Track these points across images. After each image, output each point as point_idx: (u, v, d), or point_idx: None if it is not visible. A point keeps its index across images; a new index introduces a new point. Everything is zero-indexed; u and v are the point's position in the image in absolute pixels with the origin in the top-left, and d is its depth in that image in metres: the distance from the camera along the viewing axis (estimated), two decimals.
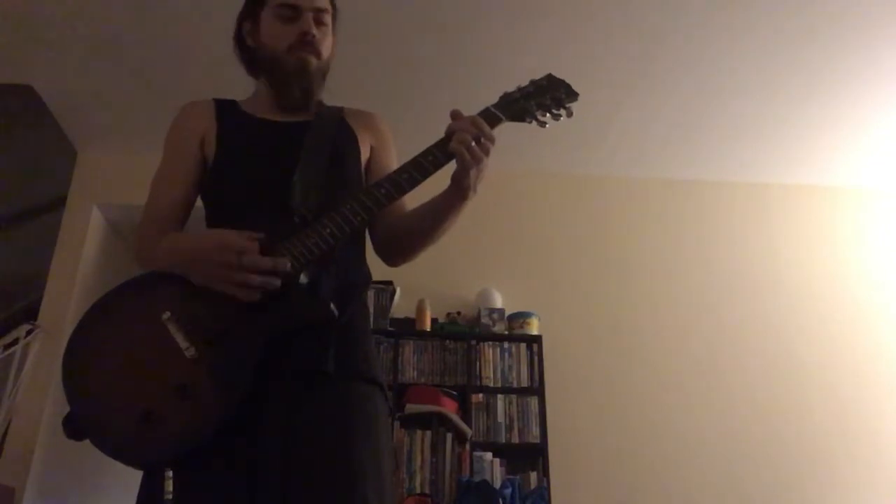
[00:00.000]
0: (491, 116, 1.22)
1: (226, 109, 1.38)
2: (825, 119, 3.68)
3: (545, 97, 1.28)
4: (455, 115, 1.20)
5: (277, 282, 1.10)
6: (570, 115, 1.29)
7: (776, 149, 3.95)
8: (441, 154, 1.19)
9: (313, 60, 1.33)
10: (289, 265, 1.11)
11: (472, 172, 1.17)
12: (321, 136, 1.32)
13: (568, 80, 1.31)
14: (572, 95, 1.30)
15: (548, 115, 1.29)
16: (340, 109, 1.43)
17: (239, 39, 1.41)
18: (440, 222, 1.27)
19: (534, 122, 1.28)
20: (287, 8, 1.32)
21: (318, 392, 1.15)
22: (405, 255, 1.37)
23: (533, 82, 1.30)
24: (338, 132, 1.36)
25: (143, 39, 3.17)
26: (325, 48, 1.36)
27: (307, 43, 1.32)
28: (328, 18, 1.37)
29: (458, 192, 1.20)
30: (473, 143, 1.16)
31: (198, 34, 3.11)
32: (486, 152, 1.17)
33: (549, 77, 1.31)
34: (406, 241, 1.35)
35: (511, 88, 1.29)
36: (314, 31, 1.32)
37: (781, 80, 3.41)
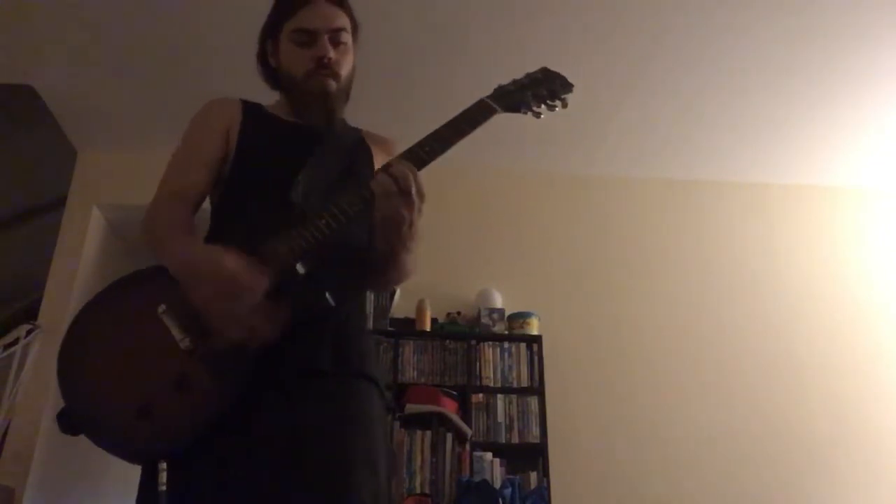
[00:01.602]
0: (486, 108, 1.23)
1: (251, 109, 1.39)
2: (825, 119, 3.68)
3: (540, 88, 1.29)
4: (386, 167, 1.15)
5: (265, 337, 1.09)
6: (564, 105, 1.30)
7: (776, 149, 3.95)
8: (448, 138, 1.19)
9: (332, 84, 1.32)
10: (268, 335, 1.09)
11: (389, 222, 1.15)
12: (337, 146, 1.33)
13: (566, 76, 1.32)
14: (567, 87, 1.31)
15: (543, 106, 1.29)
16: (359, 130, 1.44)
17: (262, 58, 1.40)
18: (385, 271, 1.28)
19: (529, 114, 1.28)
20: (303, 33, 1.31)
21: (314, 389, 1.15)
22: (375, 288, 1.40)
23: (528, 75, 1.31)
24: (355, 147, 1.38)
25: (143, 40, 3.17)
26: (345, 68, 1.35)
27: (324, 67, 1.30)
28: (346, 37, 1.35)
29: (382, 241, 1.19)
30: (397, 193, 1.11)
31: (198, 35, 3.11)
32: (410, 210, 1.13)
33: (544, 70, 1.33)
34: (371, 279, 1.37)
35: (505, 81, 1.30)
36: (331, 54, 1.31)
37: (781, 80, 3.41)
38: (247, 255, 1.10)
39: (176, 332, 1.09)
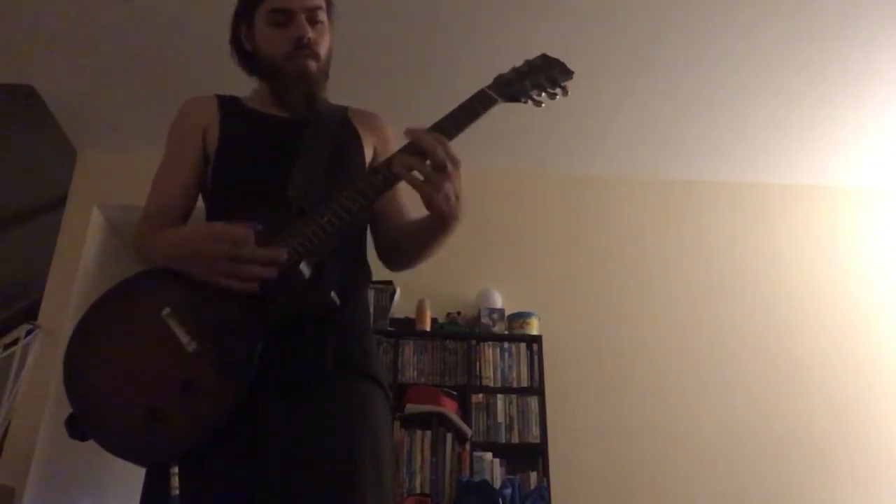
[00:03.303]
0: (486, 98, 1.19)
1: (228, 104, 1.37)
2: (825, 119, 3.68)
3: (540, 76, 1.25)
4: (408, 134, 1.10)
5: (275, 272, 1.08)
6: (565, 93, 1.26)
7: (776, 149, 3.95)
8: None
9: (312, 64, 1.31)
10: (286, 255, 1.09)
11: (438, 200, 1.09)
12: (324, 133, 1.31)
13: (565, 63, 1.29)
14: (567, 74, 1.27)
15: (543, 94, 1.25)
16: (345, 109, 1.42)
17: (236, 43, 1.39)
18: (427, 244, 1.25)
19: (529, 102, 1.24)
20: (279, 13, 1.30)
21: (318, 390, 1.15)
22: (402, 265, 1.37)
23: (527, 62, 1.27)
24: (341, 131, 1.35)
25: (142, 39, 3.17)
26: (323, 47, 1.34)
27: (303, 47, 1.30)
28: (323, 15, 1.34)
29: (436, 219, 1.15)
30: (430, 169, 1.06)
31: (198, 34, 3.11)
32: (448, 177, 1.08)
33: (544, 56, 1.29)
34: (400, 253, 1.35)
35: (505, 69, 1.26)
36: (309, 33, 1.30)
37: (782, 80, 3.41)
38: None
39: (182, 335, 1.09)
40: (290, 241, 1.11)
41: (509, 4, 2.98)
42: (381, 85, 3.41)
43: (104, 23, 3.06)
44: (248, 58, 1.38)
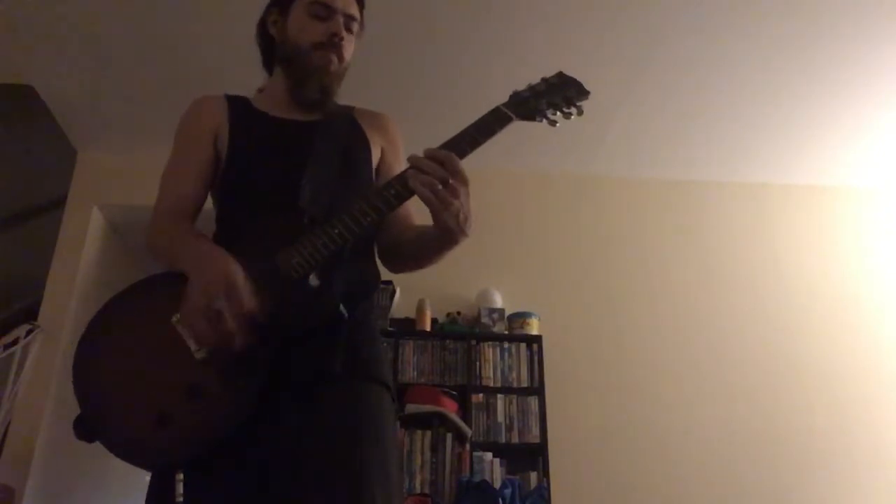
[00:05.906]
0: (502, 116, 1.19)
1: (238, 106, 1.38)
2: (825, 119, 3.68)
3: (556, 96, 1.26)
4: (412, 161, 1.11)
5: (235, 345, 1.06)
6: (580, 113, 1.27)
7: (776, 149, 3.95)
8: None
9: (335, 61, 1.35)
10: (242, 343, 1.06)
11: (446, 217, 1.10)
12: (333, 137, 1.32)
13: (582, 83, 1.29)
14: (583, 93, 1.27)
15: (558, 113, 1.26)
16: (351, 109, 1.43)
17: (262, 27, 1.42)
18: (431, 254, 1.27)
19: (544, 122, 1.25)
20: (321, 6, 1.34)
21: (326, 393, 1.15)
22: (402, 269, 1.39)
23: (544, 80, 1.27)
24: (349, 133, 1.37)
25: (143, 39, 3.17)
26: (348, 53, 1.38)
27: (334, 44, 1.33)
28: (355, 27, 1.39)
29: (443, 234, 1.15)
30: (440, 186, 1.07)
31: (198, 34, 3.11)
32: (456, 195, 1.09)
33: (560, 75, 1.29)
34: (402, 258, 1.37)
35: (521, 87, 1.26)
36: (343, 33, 1.34)
37: (782, 80, 3.41)
38: (257, 271, 1.10)
39: (190, 342, 1.09)
40: (301, 251, 1.11)
41: (509, 5, 2.98)
42: (381, 88, 3.40)
43: (104, 23, 3.06)
44: (270, 43, 1.41)
